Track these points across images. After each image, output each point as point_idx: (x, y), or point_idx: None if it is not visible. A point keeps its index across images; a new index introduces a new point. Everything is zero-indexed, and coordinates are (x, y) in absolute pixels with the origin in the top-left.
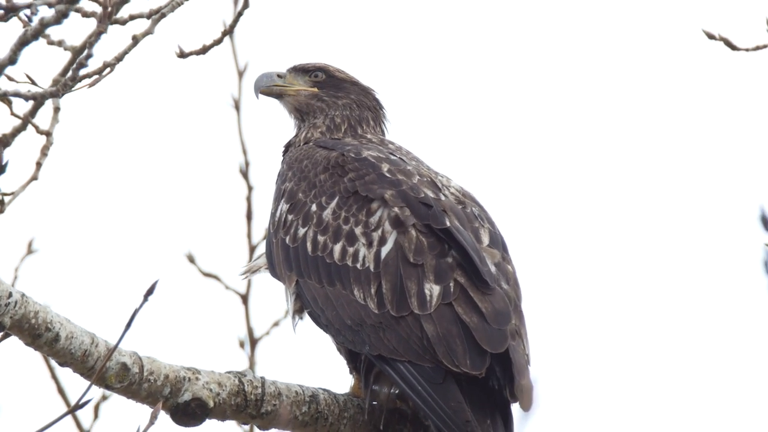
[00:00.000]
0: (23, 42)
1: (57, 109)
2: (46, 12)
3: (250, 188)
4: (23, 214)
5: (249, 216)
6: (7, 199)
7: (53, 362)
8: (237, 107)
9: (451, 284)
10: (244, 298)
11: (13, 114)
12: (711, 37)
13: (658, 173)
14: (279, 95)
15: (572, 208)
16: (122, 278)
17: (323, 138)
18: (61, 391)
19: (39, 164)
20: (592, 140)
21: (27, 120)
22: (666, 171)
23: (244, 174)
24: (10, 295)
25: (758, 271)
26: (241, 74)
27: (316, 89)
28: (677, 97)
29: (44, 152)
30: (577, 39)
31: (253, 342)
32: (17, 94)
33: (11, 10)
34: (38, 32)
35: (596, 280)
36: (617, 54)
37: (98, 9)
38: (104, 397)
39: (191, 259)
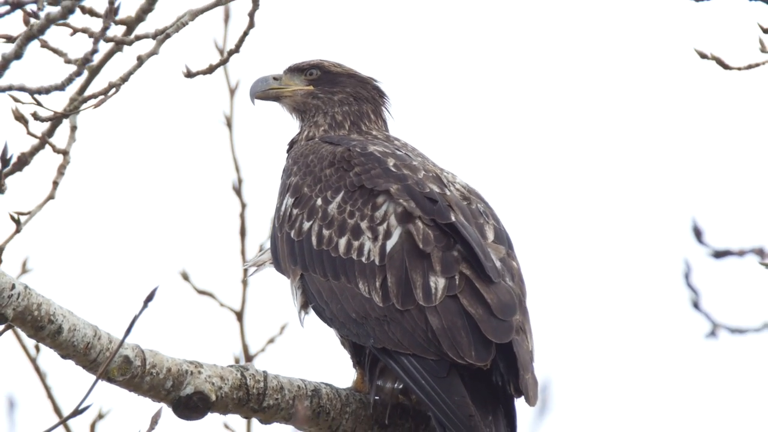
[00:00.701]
0: (29, 37)
1: (74, 128)
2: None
3: (243, 205)
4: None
5: (243, 233)
6: (23, 218)
7: (45, 374)
8: (229, 125)
9: (457, 276)
10: (239, 315)
11: (29, 133)
12: (703, 56)
13: (654, 188)
14: (276, 98)
15: (574, 206)
16: (116, 296)
17: (328, 134)
18: (57, 411)
19: (56, 183)
20: (588, 150)
21: (44, 139)
22: (662, 186)
23: (237, 191)
24: (13, 287)
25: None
26: (232, 92)
27: (311, 87)
28: (670, 116)
29: (61, 171)
30: (575, 58)
31: (249, 359)
32: (22, 88)
33: (17, 5)
34: (44, 27)
35: (600, 276)
36: (611, 71)
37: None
38: (101, 416)
39: (185, 277)
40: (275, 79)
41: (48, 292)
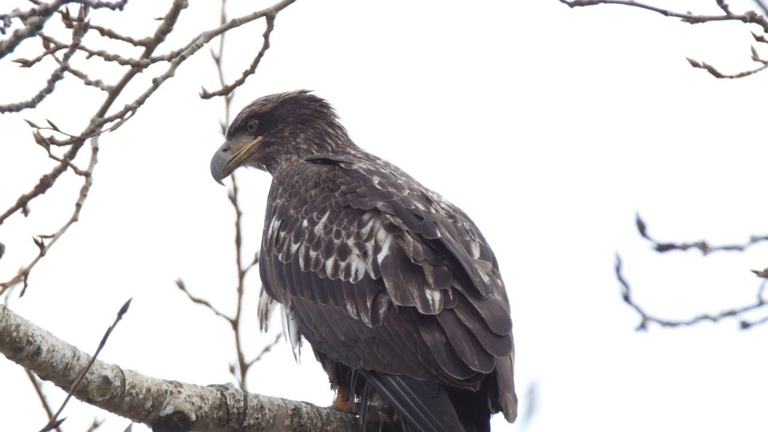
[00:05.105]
0: None
1: (95, 150)
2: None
3: (239, 213)
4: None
5: (238, 241)
6: (47, 241)
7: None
8: (224, 132)
9: (450, 291)
10: (235, 324)
11: (51, 156)
12: (695, 64)
13: (643, 198)
14: (237, 165)
15: (560, 222)
16: (111, 305)
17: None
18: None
19: (78, 205)
20: (575, 164)
21: (66, 162)
22: (652, 195)
23: (233, 199)
24: None
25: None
26: (228, 99)
27: (260, 137)
28: (662, 124)
29: (84, 193)
30: (563, 70)
31: (244, 367)
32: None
33: None
34: (13, 44)
35: (585, 292)
36: (600, 81)
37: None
38: (96, 425)
39: (181, 285)
40: (225, 150)
41: (41, 303)
